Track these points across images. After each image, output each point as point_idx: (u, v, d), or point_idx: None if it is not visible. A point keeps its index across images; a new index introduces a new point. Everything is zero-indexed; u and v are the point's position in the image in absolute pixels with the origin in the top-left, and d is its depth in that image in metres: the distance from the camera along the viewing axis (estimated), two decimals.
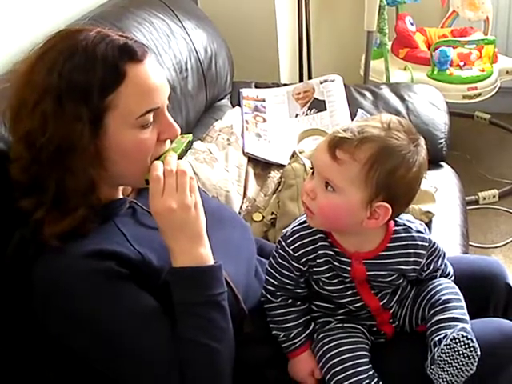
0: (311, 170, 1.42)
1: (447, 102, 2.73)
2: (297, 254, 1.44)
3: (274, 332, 1.50)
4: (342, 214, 1.37)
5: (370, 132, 1.34)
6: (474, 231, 3.01)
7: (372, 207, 1.35)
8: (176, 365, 1.32)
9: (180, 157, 1.43)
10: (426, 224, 2.05)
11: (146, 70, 1.37)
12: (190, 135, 1.51)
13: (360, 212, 1.36)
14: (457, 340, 1.35)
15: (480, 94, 3.22)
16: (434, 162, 2.48)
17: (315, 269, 1.45)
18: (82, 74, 1.32)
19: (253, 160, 2.37)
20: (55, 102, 1.31)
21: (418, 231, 1.49)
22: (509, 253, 2.98)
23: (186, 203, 1.35)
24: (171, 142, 1.46)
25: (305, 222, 1.46)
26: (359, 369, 1.41)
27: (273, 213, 2.11)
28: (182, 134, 1.48)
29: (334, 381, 1.42)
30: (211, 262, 1.39)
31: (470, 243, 2.80)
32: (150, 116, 1.37)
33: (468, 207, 2.95)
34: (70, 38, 1.36)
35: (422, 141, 1.39)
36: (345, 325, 1.49)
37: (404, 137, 1.35)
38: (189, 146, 1.49)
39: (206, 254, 1.38)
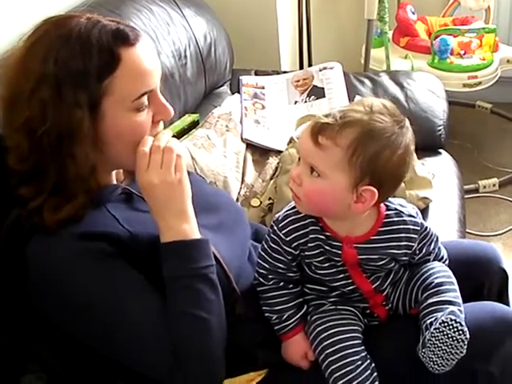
0: (298, 156, 1.43)
1: (448, 91, 2.74)
2: (288, 239, 1.45)
3: (266, 314, 1.51)
4: (327, 199, 1.37)
5: (352, 116, 1.34)
6: (474, 219, 3.03)
7: (358, 191, 1.35)
8: (167, 336, 1.34)
9: (178, 135, 1.45)
10: (423, 210, 2.09)
11: (139, 54, 1.38)
12: (197, 115, 1.52)
13: (346, 196, 1.36)
14: (446, 323, 1.36)
15: (480, 83, 3.21)
16: (432, 149, 2.51)
17: (307, 253, 1.46)
18: (78, 60, 1.33)
19: (251, 146, 2.38)
20: (53, 89, 1.32)
21: (410, 215, 1.49)
22: (508, 241, 2.99)
23: (168, 180, 1.37)
24: (164, 123, 1.47)
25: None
26: (352, 350, 1.42)
27: (270, 198, 2.12)
28: (189, 113, 1.50)
29: (327, 362, 1.43)
30: (196, 236, 1.40)
31: (470, 231, 2.82)
32: (145, 98, 1.39)
33: (468, 195, 2.97)
34: (62, 24, 1.37)
35: (406, 122, 1.39)
36: (338, 307, 1.50)
37: (388, 119, 1.35)
38: (193, 125, 1.50)
39: (190, 230, 1.40)
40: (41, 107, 1.32)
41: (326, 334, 1.45)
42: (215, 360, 1.38)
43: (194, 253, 1.38)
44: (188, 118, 1.49)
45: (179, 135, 1.45)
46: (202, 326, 1.36)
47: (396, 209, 1.48)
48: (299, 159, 1.42)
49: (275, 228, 1.47)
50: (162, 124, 1.46)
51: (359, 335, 1.46)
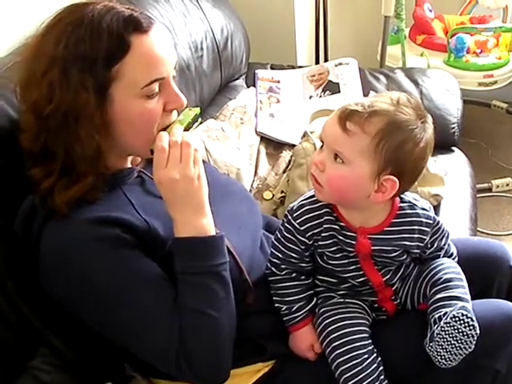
0: (320, 144, 1.44)
1: (464, 90, 2.73)
2: (302, 228, 1.46)
3: (276, 305, 1.52)
4: (350, 185, 1.38)
5: (380, 106, 1.36)
6: (486, 218, 3.03)
7: (380, 180, 1.37)
8: (176, 330, 1.34)
9: (186, 129, 1.45)
10: (435, 207, 2.08)
11: (151, 41, 1.38)
12: (198, 108, 1.52)
13: (368, 184, 1.38)
14: (457, 318, 1.37)
15: (496, 82, 3.21)
16: (445, 147, 2.50)
17: (320, 243, 1.47)
18: (87, 44, 1.34)
19: (265, 139, 2.39)
20: (61, 71, 1.34)
21: (423, 208, 1.50)
22: None
23: (188, 174, 1.37)
24: (178, 112, 1.48)
25: (311, 196, 1.48)
26: (359, 343, 1.43)
27: (282, 191, 2.13)
28: (190, 107, 1.51)
29: (333, 354, 1.44)
30: (213, 232, 1.40)
31: (482, 230, 2.82)
32: (156, 86, 1.39)
33: (481, 195, 2.97)
34: (78, 10, 1.39)
35: (429, 119, 1.40)
36: (347, 300, 1.51)
37: (412, 113, 1.37)
38: (196, 119, 1.50)
39: (207, 225, 1.40)
40: (49, 88, 1.34)
41: (333, 326, 1.46)
42: (222, 356, 1.38)
43: (209, 250, 1.38)
44: (190, 112, 1.50)
45: (187, 129, 1.46)
46: (211, 324, 1.36)
47: (410, 201, 1.50)
48: (321, 146, 1.42)
49: (290, 217, 1.48)
50: (175, 113, 1.47)
51: (367, 329, 1.47)
